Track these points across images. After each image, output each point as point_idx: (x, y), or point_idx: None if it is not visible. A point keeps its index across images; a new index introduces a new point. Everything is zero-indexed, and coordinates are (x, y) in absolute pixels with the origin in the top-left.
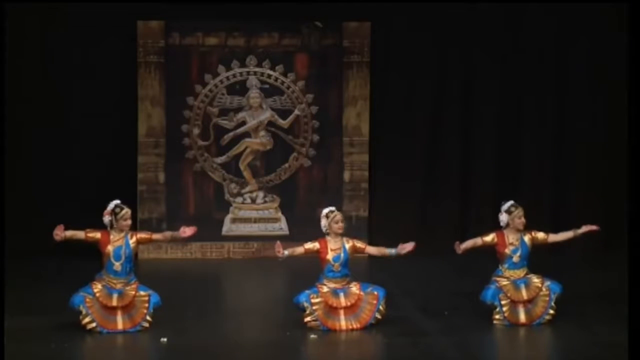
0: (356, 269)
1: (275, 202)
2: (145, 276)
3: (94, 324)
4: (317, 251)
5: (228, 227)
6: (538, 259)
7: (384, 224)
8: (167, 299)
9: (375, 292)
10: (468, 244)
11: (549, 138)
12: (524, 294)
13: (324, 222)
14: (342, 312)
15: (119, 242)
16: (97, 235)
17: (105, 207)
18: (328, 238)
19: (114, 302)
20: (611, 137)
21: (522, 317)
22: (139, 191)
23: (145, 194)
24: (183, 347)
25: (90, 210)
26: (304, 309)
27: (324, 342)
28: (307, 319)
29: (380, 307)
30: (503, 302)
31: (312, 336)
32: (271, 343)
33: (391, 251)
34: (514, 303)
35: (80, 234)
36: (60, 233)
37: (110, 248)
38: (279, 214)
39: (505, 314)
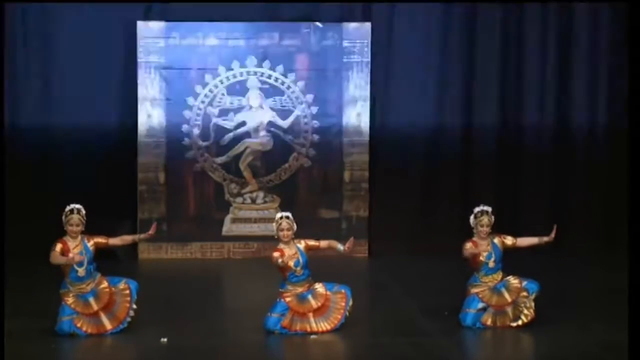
0: (356, 269)
1: (275, 202)
2: (145, 276)
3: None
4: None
5: (228, 227)
6: (538, 260)
7: (384, 224)
8: (167, 299)
9: (343, 291)
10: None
11: (549, 138)
12: (507, 297)
13: (274, 227)
14: (311, 314)
15: (78, 247)
16: (60, 246)
17: (105, 208)
18: (282, 245)
19: (95, 307)
20: (612, 136)
21: (510, 315)
22: (139, 191)
23: (145, 194)
24: (183, 347)
25: (90, 210)
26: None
27: (323, 342)
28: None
29: (350, 306)
30: (488, 324)
31: (313, 336)
32: (271, 343)
33: (339, 247)
34: (499, 308)
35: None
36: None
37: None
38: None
39: (495, 326)
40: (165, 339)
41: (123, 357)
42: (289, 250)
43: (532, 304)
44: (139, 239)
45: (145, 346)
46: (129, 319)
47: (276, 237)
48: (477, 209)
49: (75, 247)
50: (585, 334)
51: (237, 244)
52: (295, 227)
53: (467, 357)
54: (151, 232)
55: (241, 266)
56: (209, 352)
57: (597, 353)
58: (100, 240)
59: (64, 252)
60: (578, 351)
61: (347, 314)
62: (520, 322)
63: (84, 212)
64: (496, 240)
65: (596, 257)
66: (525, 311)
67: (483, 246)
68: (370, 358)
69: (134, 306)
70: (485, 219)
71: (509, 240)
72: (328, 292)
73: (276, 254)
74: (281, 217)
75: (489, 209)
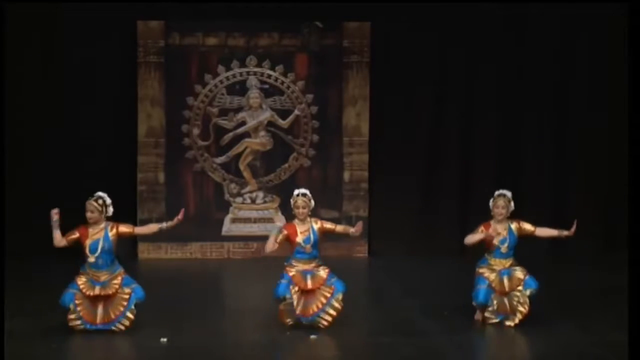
0: (356, 269)
1: (275, 202)
2: (145, 276)
3: (78, 322)
4: (287, 237)
5: (228, 227)
6: (538, 259)
7: (384, 224)
8: (167, 299)
9: (333, 287)
10: (470, 240)
11: (550, 138)
12: (506, 285)
13: (291, 203)
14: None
15: (97, 235)
16: (76, 235)
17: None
18: (295, 221)
19: (97, 291)
20: (612, 137)
21: (507, 306)
22: (139, 191)
23: (145, 194)
24: (183, 347)
25: None
26: (284, 299)
27: (323, 342)
28: (282, 306)
29: (336, 304)
30: (495, 302)
31: (312, 336)
32: (270, 343)
33: (351, 230)
34: (498, 294)
35: (65, 241)
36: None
37: (87, 242)
38: (279, 214)
39: (496, 307)
40: (166, 339)
41: (123, 357)
42: (301, 227)
43: (527, 300)
44: (166, 227)
45: (145, 346)
46: (119, 325)
47: (293, 213)
48: (496, 192)
49: (95, 234)
50: (585, 334)
51: (236, 244)
52: (312, 204)
53: (467, 357)
54: (180, 217)
55: (241, 266)
56: (209, 352)
57: (597, 353)
58: (125, 229)
59: (81, 237)
60: (578, 351)
61: (331, 311)
62: (517, 320)
63: (105, 200)
64: (513, 225)
65: (596, 257)
66: (520, 307)
67: (498, 229)
68: (370, 358)
69: (129, 314)
70: (500, 201)
71: (528, 227)
72: (325, 281)
73: (280, 236)
74: (297, 195)
75: (509, 193)
